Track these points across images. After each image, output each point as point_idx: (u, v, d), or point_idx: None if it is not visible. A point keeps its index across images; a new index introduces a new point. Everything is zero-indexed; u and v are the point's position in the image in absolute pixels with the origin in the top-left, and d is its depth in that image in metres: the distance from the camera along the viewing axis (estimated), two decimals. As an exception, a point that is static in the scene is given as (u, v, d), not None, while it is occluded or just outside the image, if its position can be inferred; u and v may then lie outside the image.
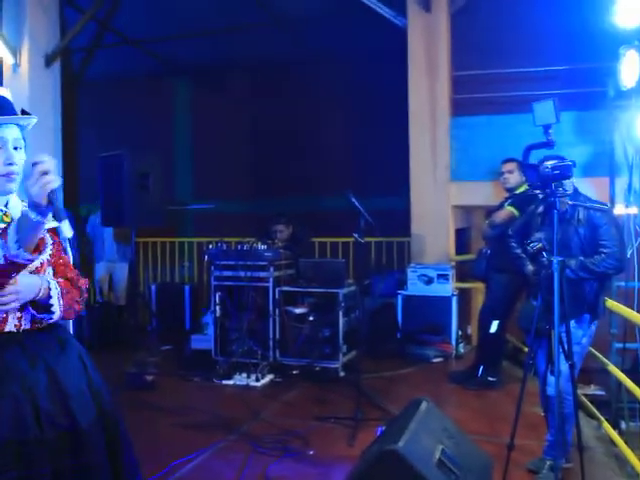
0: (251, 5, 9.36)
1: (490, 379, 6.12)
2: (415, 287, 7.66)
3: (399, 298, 7.69)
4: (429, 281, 7.57)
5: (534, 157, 3.95)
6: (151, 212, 6.36)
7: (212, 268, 6.88)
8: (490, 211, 6.38)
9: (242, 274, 6.61)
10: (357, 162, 11.12)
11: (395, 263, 9.09)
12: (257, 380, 6.26)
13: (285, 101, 11.53)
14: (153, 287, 9.49)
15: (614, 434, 4.49)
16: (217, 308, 6.79)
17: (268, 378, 6.38)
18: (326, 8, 9.50)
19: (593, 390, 5.61)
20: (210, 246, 6.92)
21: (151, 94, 12.44)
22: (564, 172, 3.76)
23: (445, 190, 8.38)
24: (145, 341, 7.78)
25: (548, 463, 3.96)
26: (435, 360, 7.21)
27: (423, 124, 8.42)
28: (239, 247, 6.79)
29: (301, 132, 11.55)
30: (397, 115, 8.67)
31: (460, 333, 7.61)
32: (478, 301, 7.50)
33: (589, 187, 4.92)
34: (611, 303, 4.27)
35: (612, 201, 6.42)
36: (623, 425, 4.70)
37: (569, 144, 6.80)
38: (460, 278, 8.07)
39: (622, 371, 4.45)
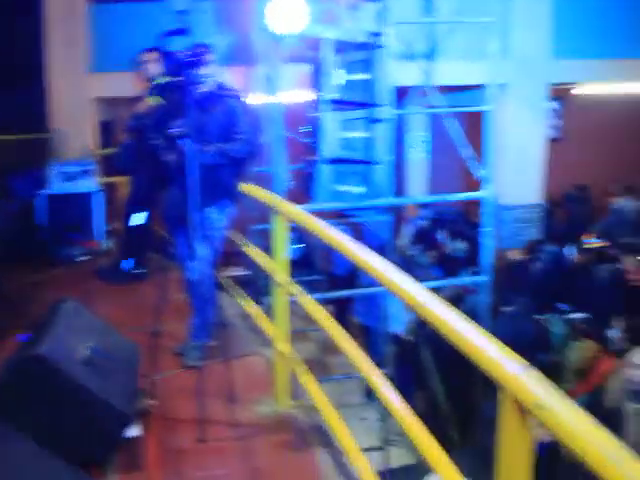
0: None
1: (138, 271, 6.14)
2: (57, 185, 7.27)
3: (41, 198, 7.23)
4: (71, 178, 7.22)
5: (177, 46, 3.87)
6: None
7: None
8: (133, 102, 6.19)
9: None
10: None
11: (36, 161, 8.48)
12: None
13: None
14: None
15: (252, 308, 4.83)
16: None
17: None
18: None
19: (237, 271, 5.90)
20: None
21: None
22: (200, 59, 3.76)
23: (85, 82, 8.01)
24: None
25: (194, 344, 4.13)
26: (82, 259, 7.01)
27: (58, 13, 7.87)
28: None
29: None
30: (31, 4, 7.97)
31: (107, 228, 7.46)
32: (124, 194, 7.35)
33: (229, 76, 4.99)
34: (248, 187, 4.44)
35: (249, 90, 6.62)
36: (264, 300, 5.03)
37: (210, 33, 6.81)
38: (106, 173, 7.84)
39: (262, 251, 4.74)
